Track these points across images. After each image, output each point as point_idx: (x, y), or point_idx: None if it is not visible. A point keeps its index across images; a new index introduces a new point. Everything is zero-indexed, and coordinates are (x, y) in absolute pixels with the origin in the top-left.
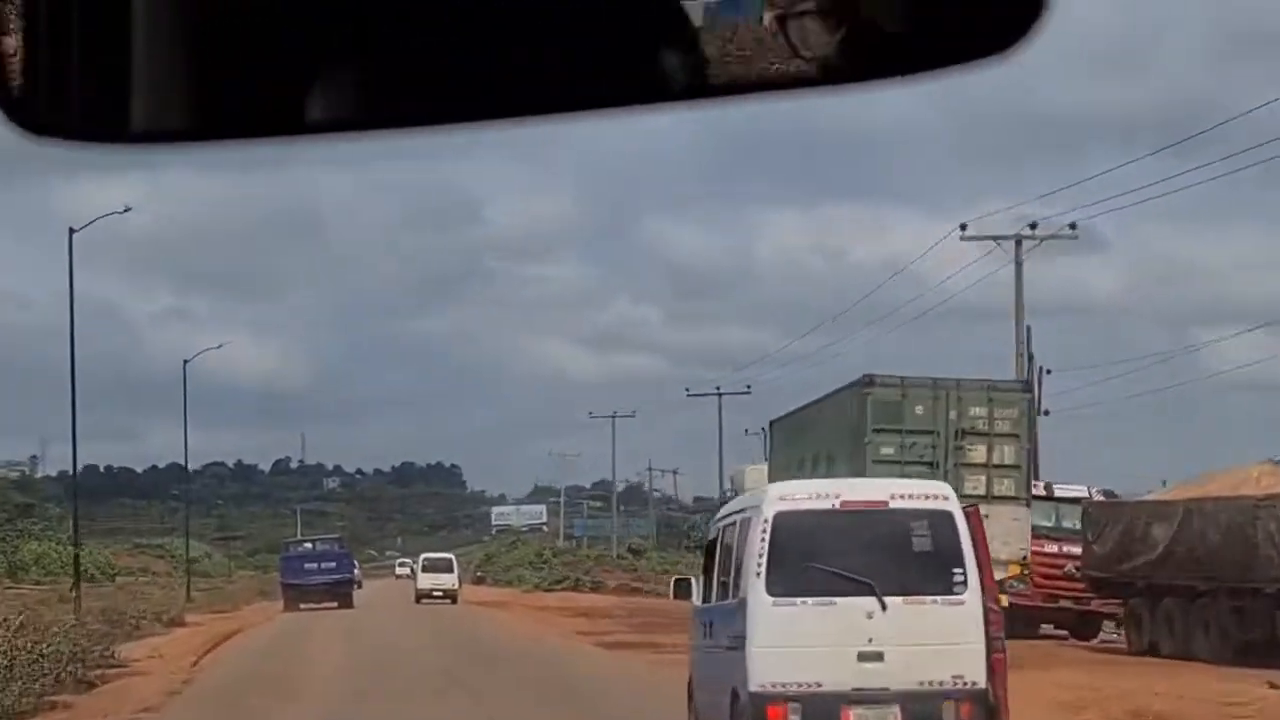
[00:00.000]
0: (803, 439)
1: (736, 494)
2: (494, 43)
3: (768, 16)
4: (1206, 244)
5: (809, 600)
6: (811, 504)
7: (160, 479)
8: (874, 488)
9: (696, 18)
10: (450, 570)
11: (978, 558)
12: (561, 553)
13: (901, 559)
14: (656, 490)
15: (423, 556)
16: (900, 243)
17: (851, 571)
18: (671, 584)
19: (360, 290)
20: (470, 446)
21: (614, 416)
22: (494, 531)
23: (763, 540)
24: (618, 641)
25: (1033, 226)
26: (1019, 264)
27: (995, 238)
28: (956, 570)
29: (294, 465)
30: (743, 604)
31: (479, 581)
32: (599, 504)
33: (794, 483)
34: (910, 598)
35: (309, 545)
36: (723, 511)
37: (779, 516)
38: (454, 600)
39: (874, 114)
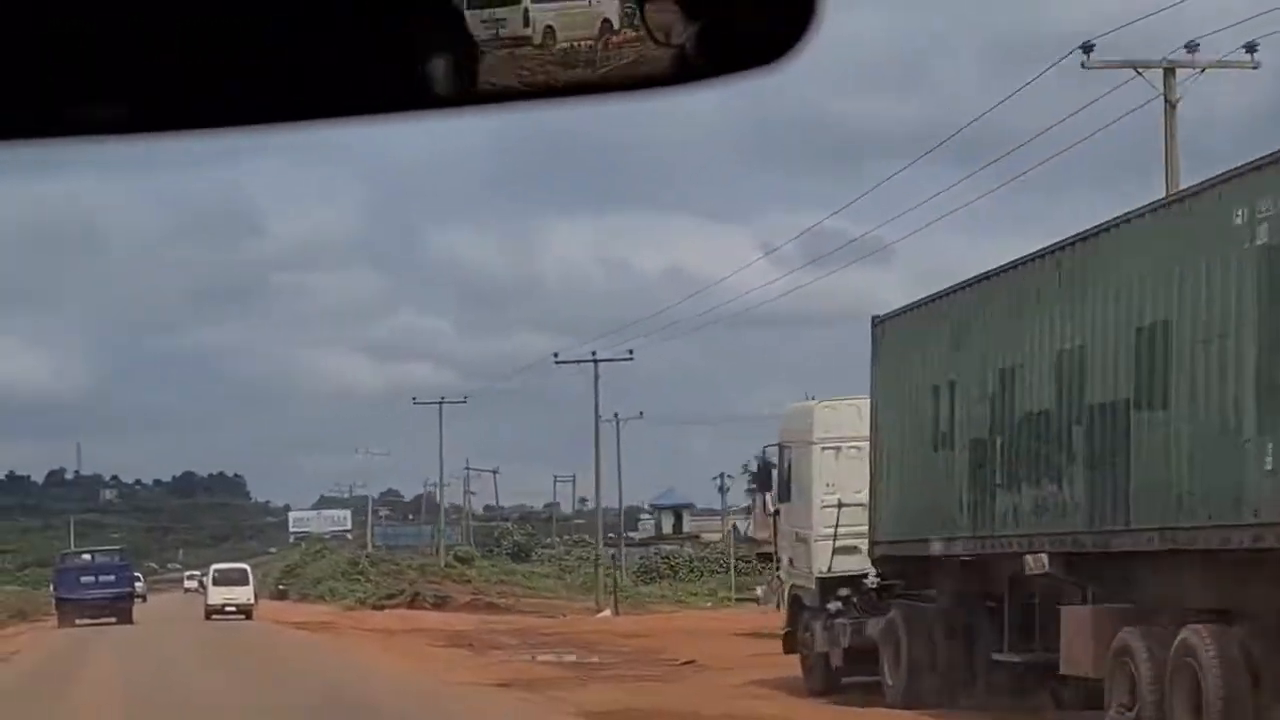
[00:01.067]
0: (1030, 321)
1: (781, 455)
2: (273, 42)
3: (539, 26)
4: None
5: None
6: None
7: None
8: None
9: (475, 26)
10: (245, 582)
11: None
12: (379, 562)
13: None
14: (472, 492)
15: (213, 568)
16: (688, 251)
17: None
18: None
19: (140, 300)
20: (254, 457)
21: (441, 403)
22: (292, 540)
23: None
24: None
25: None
26: (1168, 103)
27: (1135, 64)
28: None
29: (69, 476)
30: None
31: (280, 596)
32: (387, 513)
33: None
34: None
35: (86, 557)
36: None
37: None
38: (249, 615)
39: (663, 122)
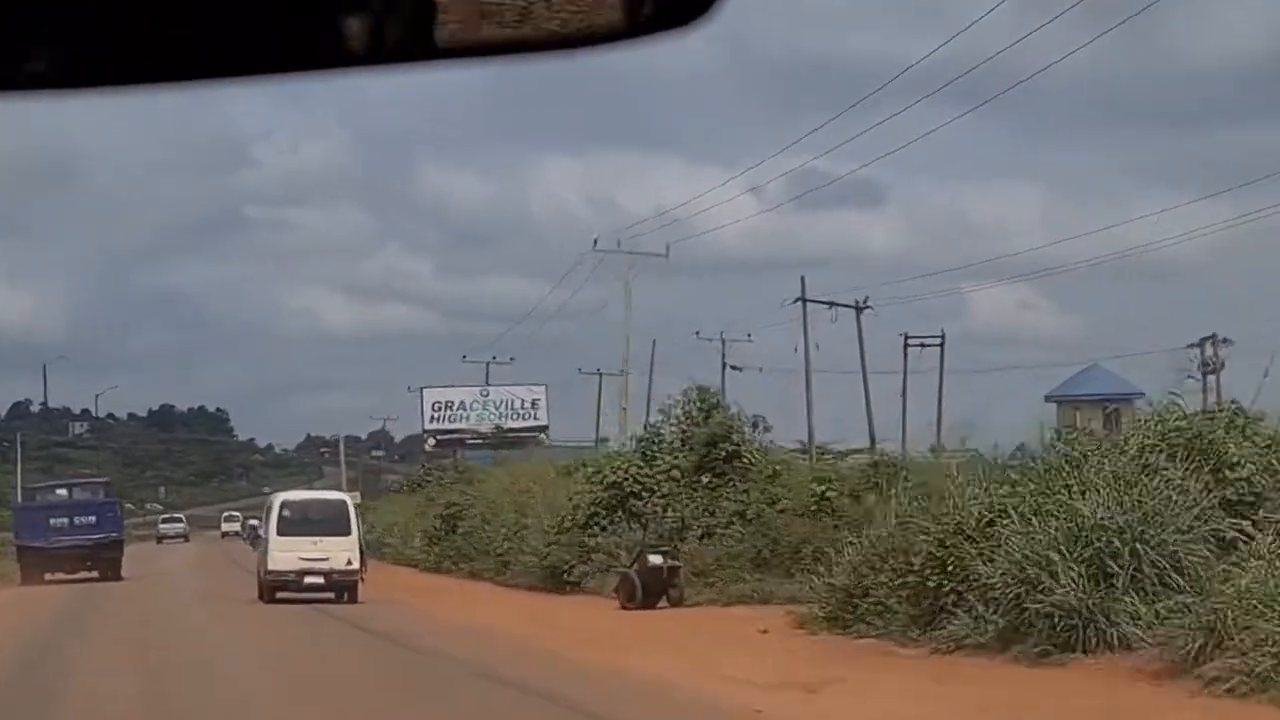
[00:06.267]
0: None
1: None
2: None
3: None
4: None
5: None
6: None
7: None
8: None
9: None
10: (344, 529)
11: None
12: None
13: None
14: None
15: (278, 499)
16: (670, 190)
17: None
18: None
19: (117, 234)
20: (235, 395)
21: None
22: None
23: None
24: None
25: None
26: None
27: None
28: None
29: (35, 409)
30: None
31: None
32: (380, 454)
33: None
34: None
35: (61, 492)
36: None
37: None
38: (351, 597)
39: (651, 61)
